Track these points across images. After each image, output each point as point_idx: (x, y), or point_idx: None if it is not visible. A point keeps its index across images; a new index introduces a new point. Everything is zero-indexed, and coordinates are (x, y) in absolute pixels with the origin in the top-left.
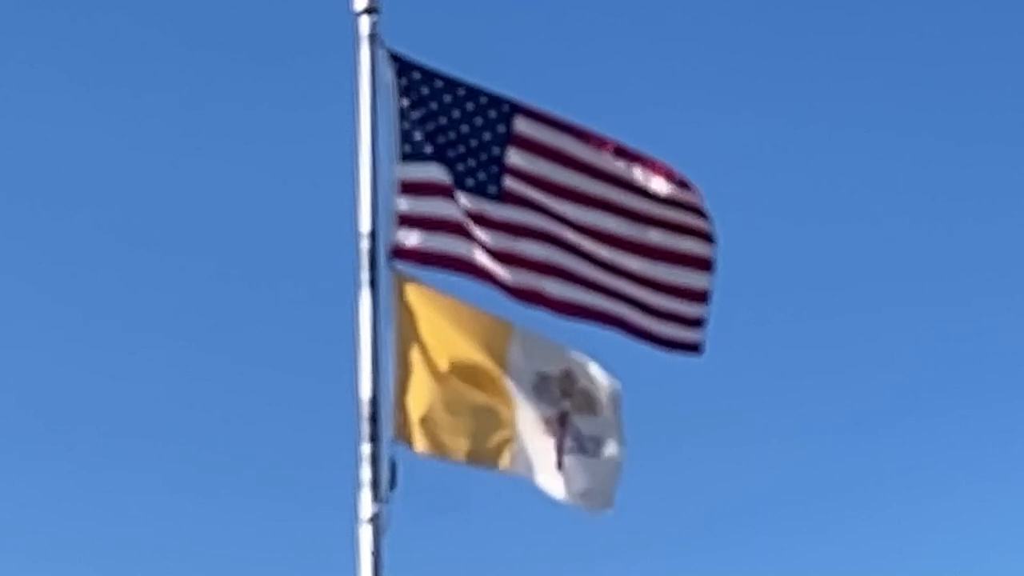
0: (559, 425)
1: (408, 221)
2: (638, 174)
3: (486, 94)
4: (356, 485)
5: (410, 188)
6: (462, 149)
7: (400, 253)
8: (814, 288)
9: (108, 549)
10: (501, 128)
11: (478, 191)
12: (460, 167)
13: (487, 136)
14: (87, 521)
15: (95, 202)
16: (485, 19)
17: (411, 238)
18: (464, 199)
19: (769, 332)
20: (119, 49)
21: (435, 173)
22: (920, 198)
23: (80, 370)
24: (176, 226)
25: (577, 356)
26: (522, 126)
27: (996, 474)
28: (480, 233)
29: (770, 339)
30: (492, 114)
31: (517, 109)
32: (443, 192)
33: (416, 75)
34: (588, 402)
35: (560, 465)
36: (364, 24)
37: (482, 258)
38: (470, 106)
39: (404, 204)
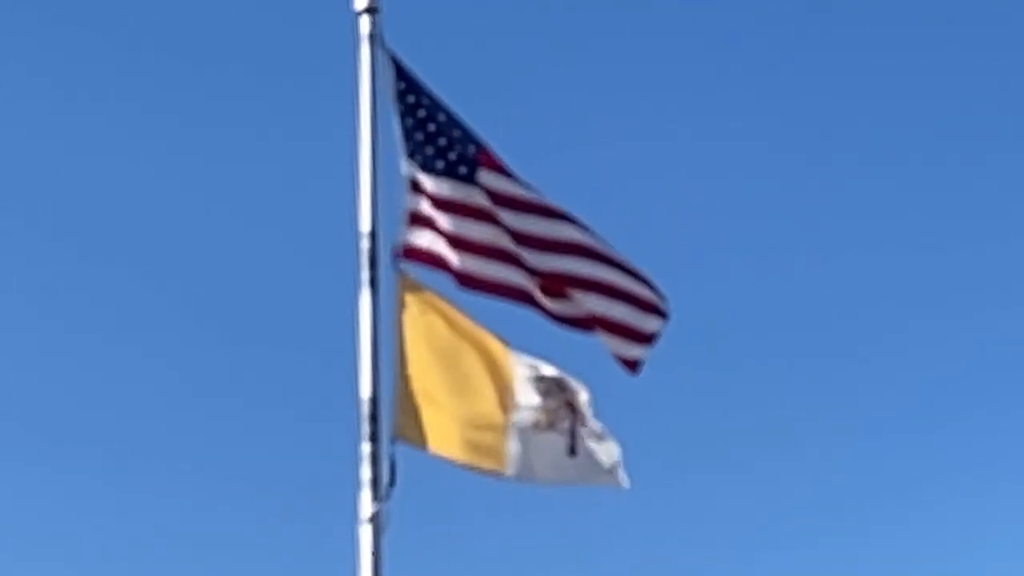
0: (570, 411)
1: (417, 220)
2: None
3: (460, 128)
4: (356, 485)
5: (418, 189)
6: (437, 168)
7: (406, 253)
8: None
9: (108, 550)
10: (464, 170)
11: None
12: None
13: (452, 165)
14: (86, 521)
15: (96, 203)
16: (484, 19)
17: (419, 238)
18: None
19: (780, 342)
20: (117, 50)
21: (432, 185)
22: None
23: (81, 369)
24: (176, 226)
25: (556, 372)
26: (481, 177)
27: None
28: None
29: (782, 348)
30: (453, 156)
31: (480, 157)
32: (442, 205)
33: (409, 83)
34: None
35: (574, 451)
36: (364, 24)
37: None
38: (443, 141)
39: (412, 202)
